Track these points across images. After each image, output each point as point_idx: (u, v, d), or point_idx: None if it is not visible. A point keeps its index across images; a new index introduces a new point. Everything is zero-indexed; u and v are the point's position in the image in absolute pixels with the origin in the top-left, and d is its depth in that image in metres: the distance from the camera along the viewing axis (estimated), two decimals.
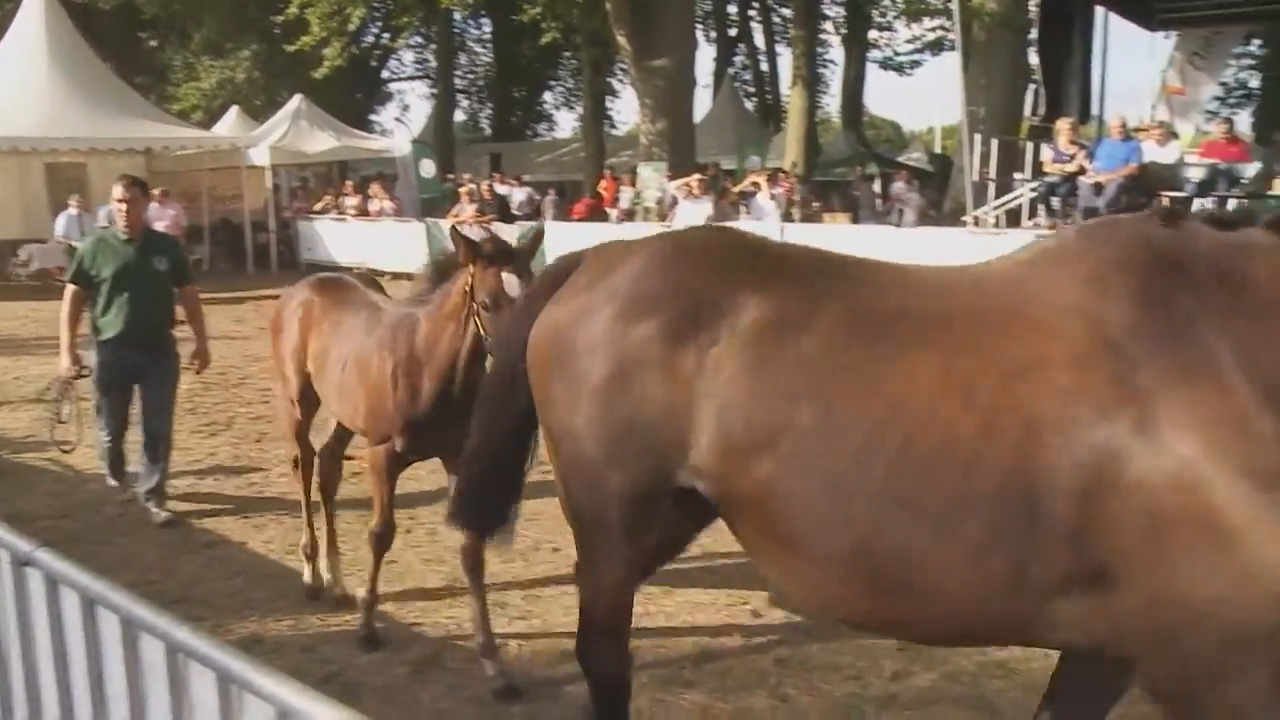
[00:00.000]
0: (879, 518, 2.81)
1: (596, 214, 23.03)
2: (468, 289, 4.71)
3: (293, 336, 5.80)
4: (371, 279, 6.30)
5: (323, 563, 5.99)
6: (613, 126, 44.40)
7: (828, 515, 2.88)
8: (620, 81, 41.08)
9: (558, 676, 4.83)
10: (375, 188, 25.74)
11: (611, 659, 3.56)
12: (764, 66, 44.01)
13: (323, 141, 26.83)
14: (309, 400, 5.93)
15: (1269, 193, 16.68)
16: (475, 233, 5.40)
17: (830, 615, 3.37)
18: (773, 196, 20.34)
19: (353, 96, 40.99)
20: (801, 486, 2.91)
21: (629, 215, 22.19)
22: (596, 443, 3.24)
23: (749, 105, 41.25)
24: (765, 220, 19.10)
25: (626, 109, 50.04)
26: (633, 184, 23.98)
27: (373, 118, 46.06)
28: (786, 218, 20.03)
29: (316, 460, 6.14)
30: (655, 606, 5.62)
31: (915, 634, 3.29)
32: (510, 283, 4.61)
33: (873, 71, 39.92)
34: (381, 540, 5.29)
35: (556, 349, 3.35)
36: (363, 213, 25.33)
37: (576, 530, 3.52)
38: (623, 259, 3.40)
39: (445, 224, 22.22)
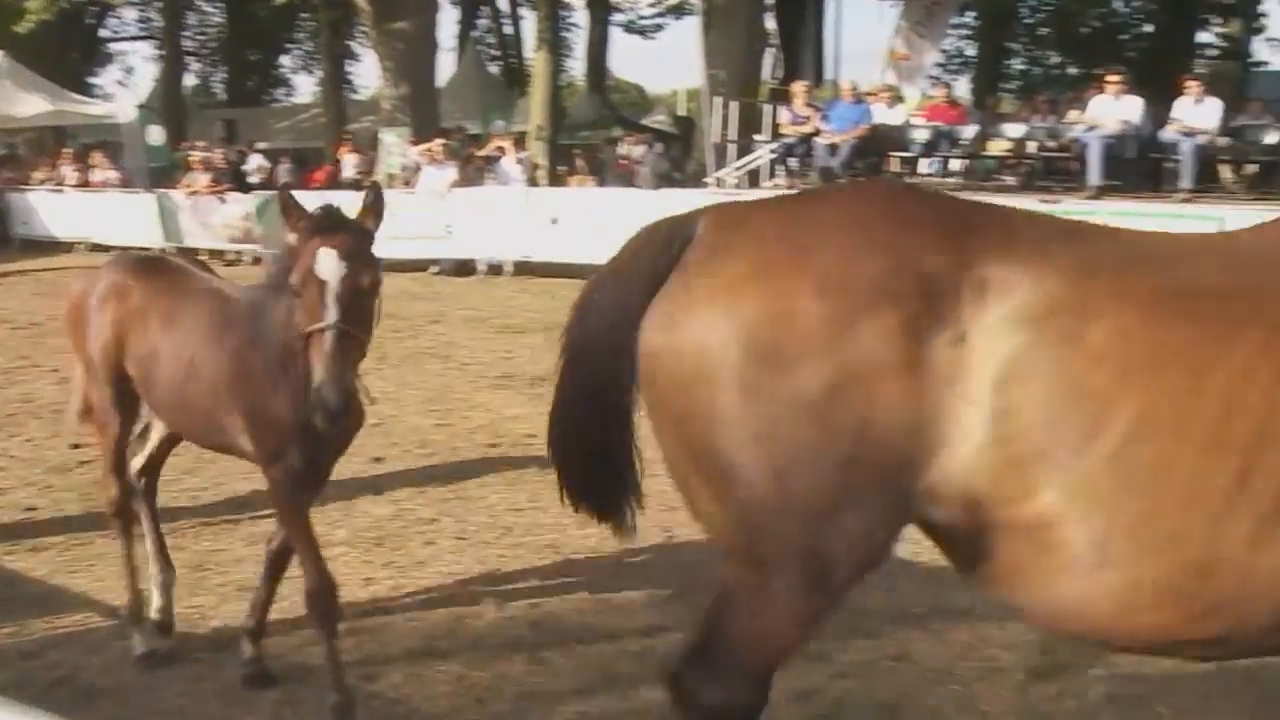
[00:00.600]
0: (1221, 531, 2.40)
1: (336, 182, 22.40)
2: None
3: (103, 332, 4.61)
4: (195, 259, 5.67)
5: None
6: (354, 91, 43.19)
7: (1148, 534, 2.44)
8: (361, 44, 39.94)
9: (310, 661, 4.69)
10: (97, 157, 24.21)
11: (743, 709, 2.85)
12: (508, 30, 43.69)
13: (33, 105, 24.96)
14: (127, 413, 4.83)
15: (984, 153, 17.81)
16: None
17: (1120, 642, 2.77)
18: (518, 161, 20.27)
19: (66, 56, 38.25)
20: (1113, 502, 2.44)
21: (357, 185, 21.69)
22: (814, 473, 2.53)
23: (493, 69, 40.87)
24: (511, 185, 19.04)
25: (368, 73, 48.74)
26: (357, 151, 23.44)
27: (92, 80, 43.21)
28: (531, 182, 20.04)
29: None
30: (407, 579, 5.56)
31: (1228, 652, 2.74)
32: (325, 261, 3.73)
33: (617, 35, 40.21)
34: (321, 599, 4.19)
35: (729, 355, 2.56)
36: (84, 184, 23.77)
37: (750, 577, 2.73)
38: (797, 231, 2.72)
39: (177, 195, 21.21)
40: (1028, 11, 35.86)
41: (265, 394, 4.09)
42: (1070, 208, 13.19)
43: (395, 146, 22.95)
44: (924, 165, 17.99)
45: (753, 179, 18.30)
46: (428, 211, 17.94)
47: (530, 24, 36.50)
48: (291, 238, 3.95)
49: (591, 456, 3.01)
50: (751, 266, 2.63)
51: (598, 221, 15.90)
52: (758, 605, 2.72)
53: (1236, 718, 4.25)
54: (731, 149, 18.65)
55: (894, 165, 17.91)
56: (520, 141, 23.00)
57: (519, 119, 29.78)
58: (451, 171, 19.06)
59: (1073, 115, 16.39)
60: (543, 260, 17.17)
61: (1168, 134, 15.17)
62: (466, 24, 41.37)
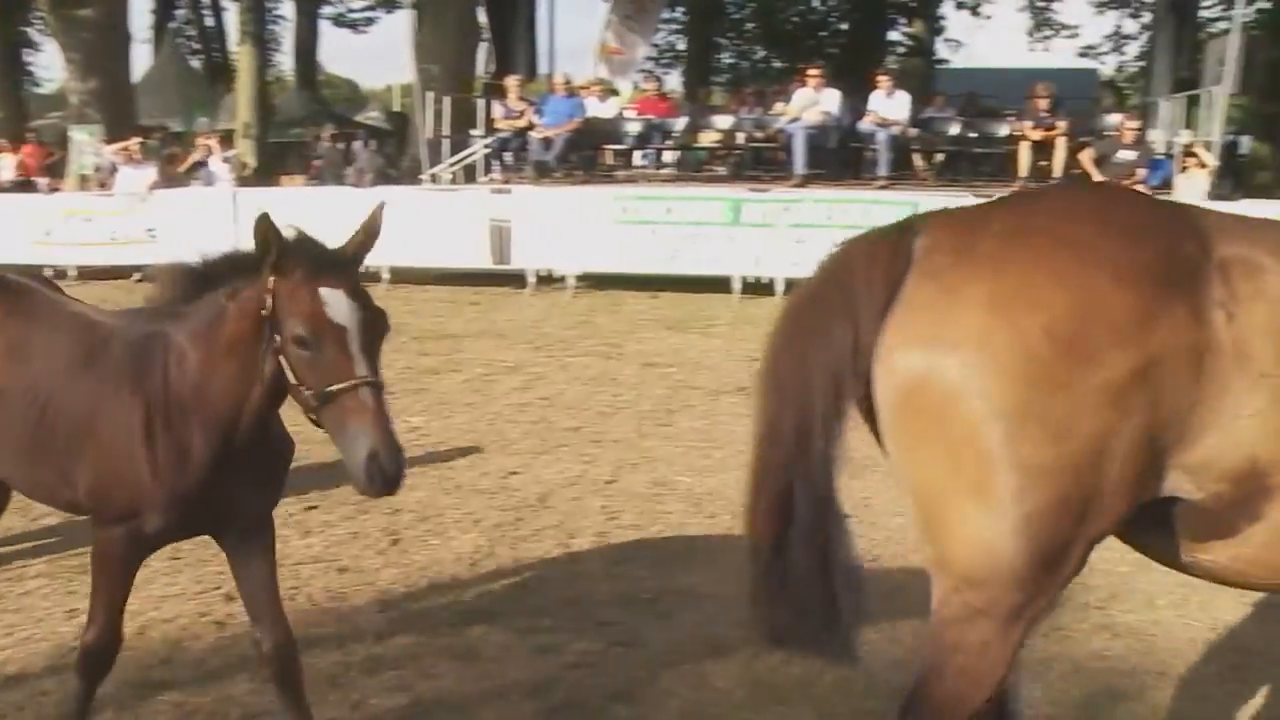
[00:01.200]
0: None
1: (22, 185, 20.71)
2: (265, 311, 3.20)
3: None
4: (46, 279, 4.50)
5: None
6: (36, 84, 40.14)
7: None
8: (41, 33, 37.17)
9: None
10: None
11: None
12: (209, 21, 41.71)
13: None
14: None
15: (696, 145, 18.36)
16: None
17: None
18: (225, 160, 19.41)
19: None
20: None
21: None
22: (1112, 465, 2.48)
23: (195, 63, 38.97)
24: (218, 185, 18.21)
25: (55, 64, 45.39)
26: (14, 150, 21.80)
27: None
28: (241, 182, 19.24)
29: None
30: None
31: None
32: (339, 306, 3.15)
33: (326, 28, 39.07)
34: (99, 658, 3.67)
35: (1029, 354, 2.46)
36: None
37: (1001, 596, 2.58)
38: (1052, 227, 2.65)
39: None
40: (734, 7, 37.18)
41: (133, 442, 3.41)
42: (778, 196, 13.79)
43: (87, 145, 21.52)
44: (637, 157, 18.37)
45: (468, 174, 18.21)
46: (127, 215, 16.92)
47: (233, 16, 34.98)
48: (269, 275, 3.21)
49: (808, 541, 2.75)
50: (1034, 265, 2.55)
51: (312, 222, 15.42)
52: (984, 635, 2.61)
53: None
54: (446, 144, 18.49)
55: (607, 158, 18.22)
56: (227, 139, 22.03)
57: (225, 116, 28.59)
58: (151, 172, 18.03)
59: (779, 107, 17.12)
60: None
61: (864, 125, 16.10)
62: (163, 15, 39.22)
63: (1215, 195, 15.16)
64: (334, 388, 3.09)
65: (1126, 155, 14.86)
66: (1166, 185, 15.39)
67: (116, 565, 3.59)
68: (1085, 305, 2.49)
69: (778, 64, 36.46)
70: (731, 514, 6.25)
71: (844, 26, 35.81)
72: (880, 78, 16.45)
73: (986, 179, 16.56)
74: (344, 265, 3.28)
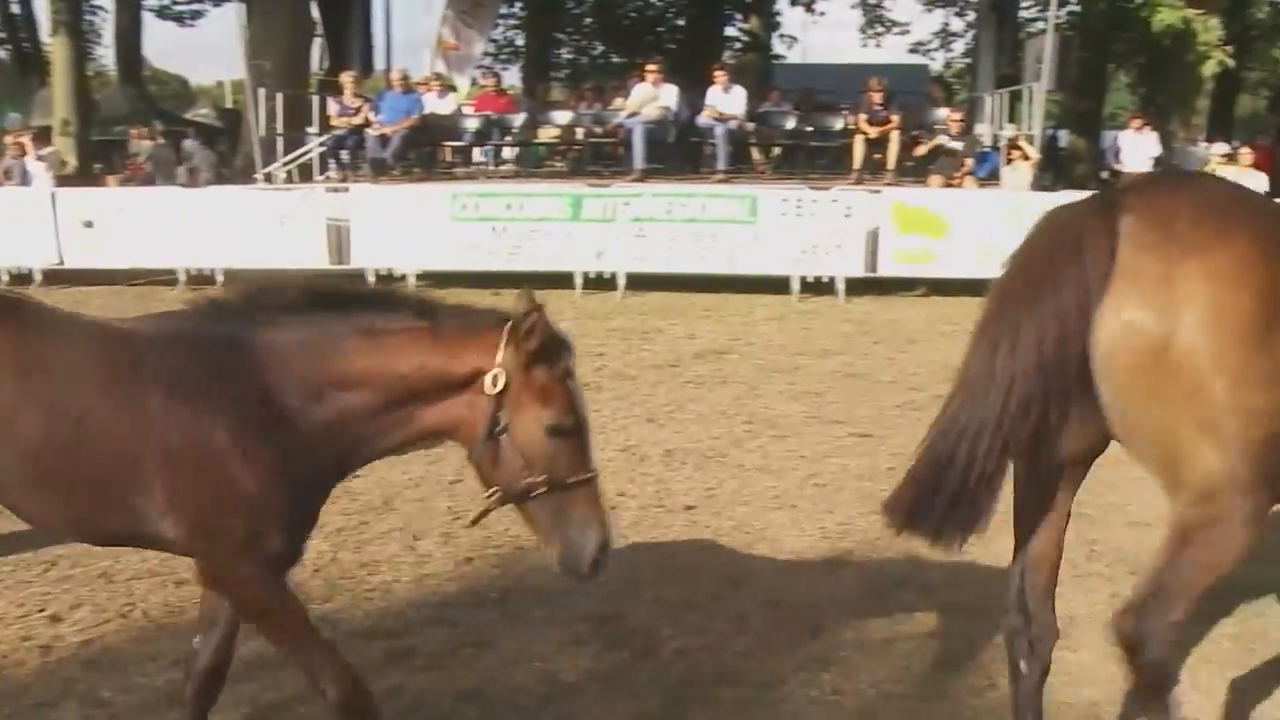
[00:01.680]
0: None
1: None
2: (494, 389, 3.14)
3: None
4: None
5: None
6: None
7: None
8: None
9: None
10: None
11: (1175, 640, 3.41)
12: (16, 9, 39.63)
13: None
14: None
15: (535, 140, 18.32)
16: None
17: None
18: (40, 158, 18.54)
19: None
20: None
21: None
22: None
23: (2, 54, 37.08)
24: (34, 185, 17.39)
25: None
26: None
27: None
28: (60, 181, 18.40)
29: None
30: None
31: None
32: (581, 400, 3.24)
33: (151, 21, 37.56)
34: (361, 712, 3.36)
35: (1253, 314, 2.95)
36: None
37: (1229, 504, 3.09)
38: (1236, 208, 3.21)
39: None
40: (573, 3, 37.16)
41: (242, 459, 3.15)
42: (618, 191, 13.86)
43: None
44: (476, 154, 18.25)
45: (304, 173, 17.81)
46: None
47: (44, 3, 33.33)
48: (514, 362, 3.15)
49: (989, 469, 3.22)
50: (1245, 243, 3.02)
51: (140, 224, 14.91)
52: (1226, 533, 3.14)
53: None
54: (280, 143, 18.03)
55: (446, 155, 18.04)
56: (43, 136, 21.05)
57: (41, 112, 27.31)
58: None
59: (618, 102, 17.20)
60: (78, 267, 15.80)
61: (703, 120, 16.31)
62: None
63: (1038, 186, 15.83)
64: (575, 479, 3.18)
65: (952, 145, 15.41)
66: (994, 176, 16.00)
67: (279, 605, 3.31)
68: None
69: (616, 59, 36.60)
70: None
71: (681, 22, 36.14)
72: (717, 73, 16.66)
73: (822, 172, 16.97)
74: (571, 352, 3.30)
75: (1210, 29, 18.44)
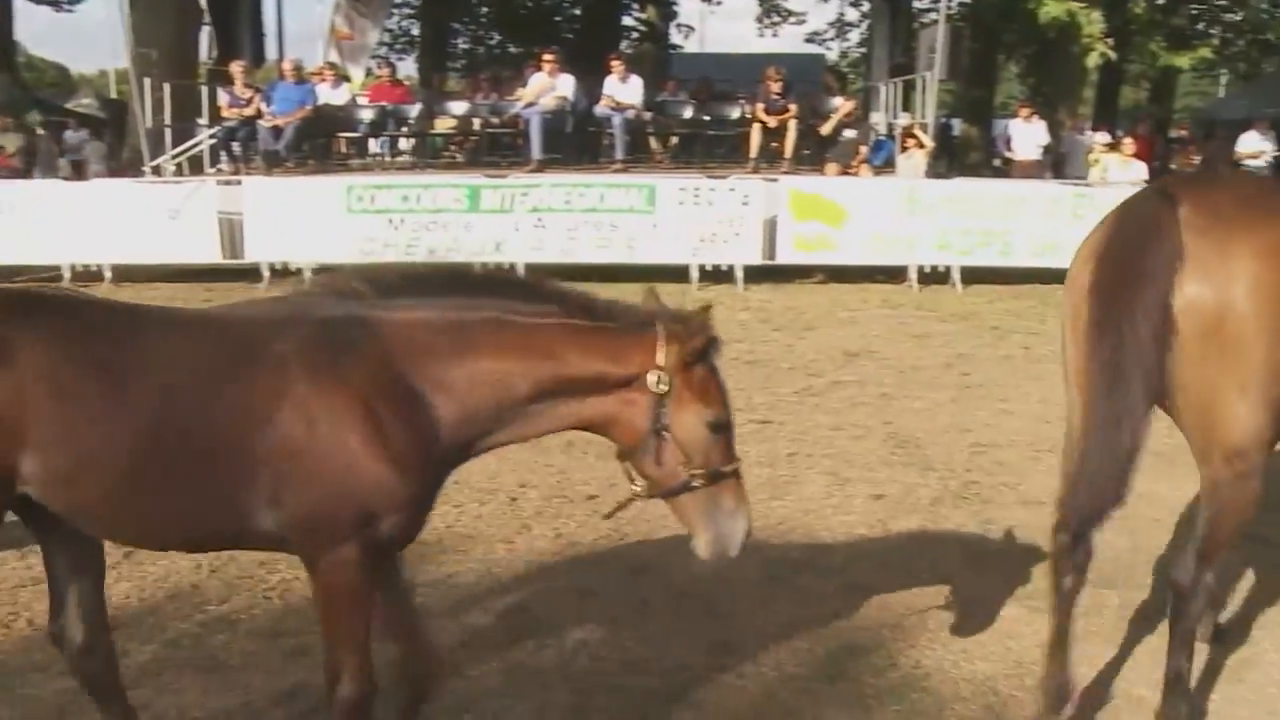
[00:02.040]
0: None
1: None
2: (659, 389, 3.22)
3: None
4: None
5: None
6: None
7: None
8: None
9: None
10: None
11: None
12: None
13: None
14: None
15: (432, 131, 18.13)
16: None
17: None
18: None
19: None
20: None
21: None
22: None
23: None
24: None
25: None
26: None
27: None
28: None
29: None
30: None
31: None
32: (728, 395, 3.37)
33: (24, 6, 36.32)
34: (362, 713, 3.31)
35: None
36: None
37: (1255, 456, 3.65)
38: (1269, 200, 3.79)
39: None
40: None
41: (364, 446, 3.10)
42: (516, 181, 13.79)
43: None
44: (372, 145, 18.01)
45: (194, 165, 17.40)
46: None
47: None
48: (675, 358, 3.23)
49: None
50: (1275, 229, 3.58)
51: (21, 218, 14.41)
52: (1251, 486, 3.69)
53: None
54: (168, 134, 17.57)
55: (341, 147, 17.76)
56: None
57: None
58: None
59: (515, 93, 17.08)
60: None
61: (600, 109, 16.27)
62: None
63: (932, 173, 16.12)
64: (727, 468, 3.31)
65: (849, 134, 15.62)
66: (889, 164, 16.26)
67: (366, 595, 3.25)
68: None
69: (513, 49, 36.40)
70: (479, 502, 6.24)
71: (578, 12, 36.03)
72: (615, 63, 16.63)
73: (720, 161, 17.07)
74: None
75: (1093, 22, 18.94)
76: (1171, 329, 3.58)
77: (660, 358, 3.23)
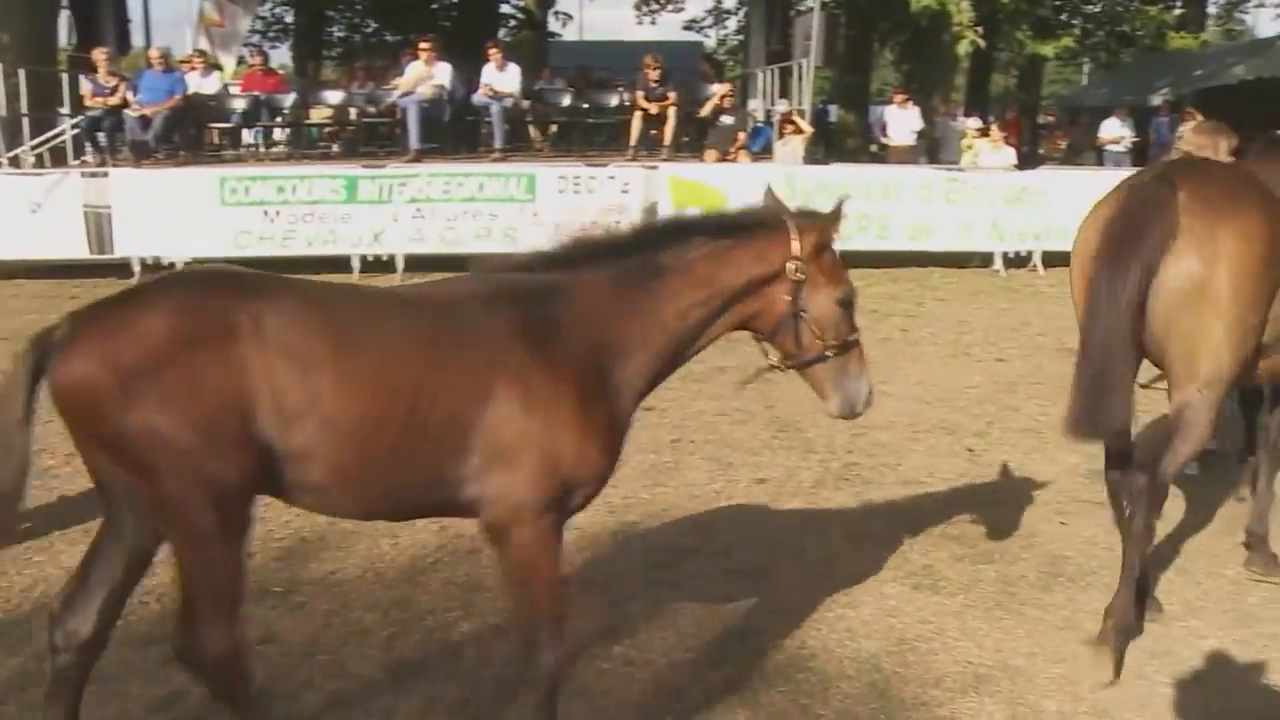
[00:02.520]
0: None
1: None
2: (797, 278, 3.61)
3: (216, 394, 2.99)
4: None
5: None
6: None
7: None
8: None
9: None
10: None
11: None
12: None
13: None
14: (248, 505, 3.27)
15: (308, 121, 17.78)
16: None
17: None
18: None
19: None
20: None
21: None
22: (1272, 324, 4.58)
23: None
24: None
25: None
26: None
27: None
28: None
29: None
30: None
31: None
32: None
33: None
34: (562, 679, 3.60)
35: (1258, 264, 4.43)
36: None
37: (1220, 388, 4.54)
38: (1245, 187, 4.67)
39: None
40: None
41: (594, 409, 3.38)
42: (394, 171, 13.60)
43: None
44: (246, 136, 17.59)
45: (57, 157, 16.76)
46: None
47: None
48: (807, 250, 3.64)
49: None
50: (1253, 216, 4.47)
51: None
52: (1211, 414, 4.57)
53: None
54: (26, 124, 16.89)
55: (213, 137, 17.31)
56: None
57: None
58: None
59: (394, 81, 16.81)
60: None
61: (478, 98, 16.15)
62: None
63: (810, 159, 16.34)
64: (852, 337, 3.77)
65: (727, 120, 15.73)
66: (768, 151, 16.43)
67: (553, 557, 3.43)
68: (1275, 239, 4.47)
69: (390, 37, 35.83)
70: None
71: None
72: (492, 51, 16.49)
73: (599, 149, 17.07)
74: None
75: (963, 11, 19.31)
76: (1157, 290, 4.44)
77: (795, 249, 3.62)
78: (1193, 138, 5.90)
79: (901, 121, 18.88)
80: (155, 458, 2.99)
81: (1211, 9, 42.11)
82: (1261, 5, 45.27)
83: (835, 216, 3.72)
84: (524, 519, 3.32)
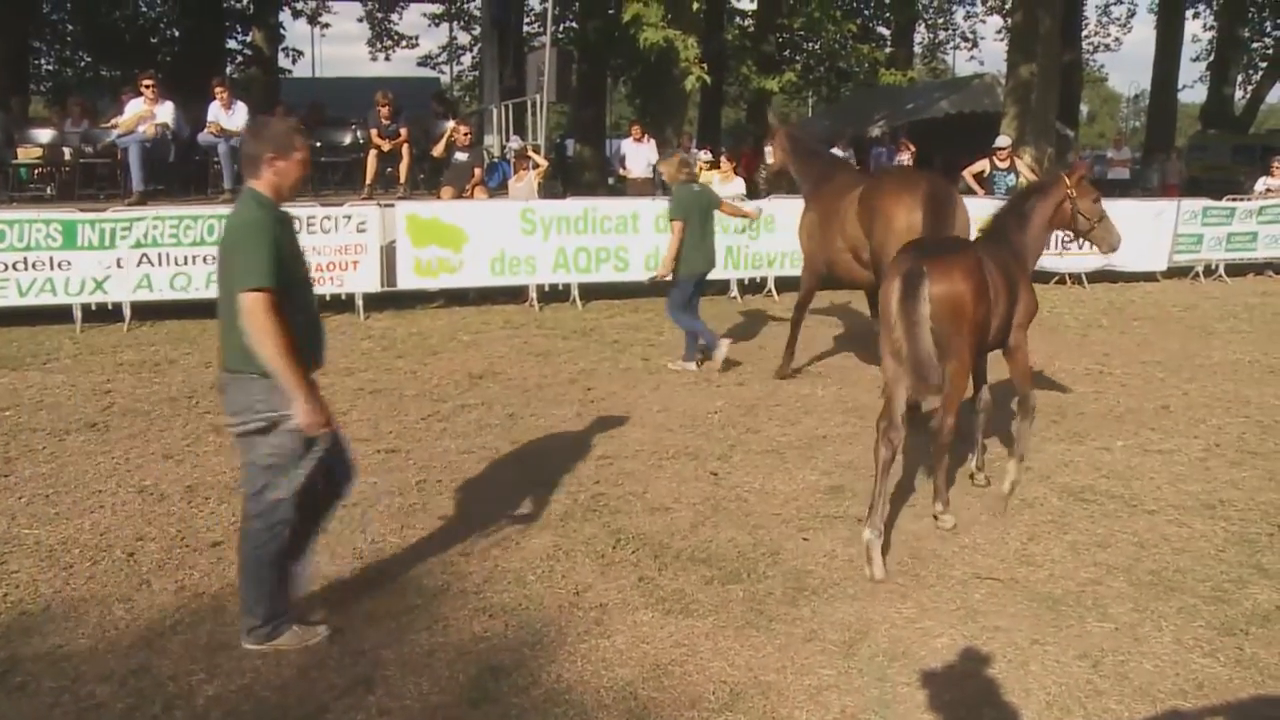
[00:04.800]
0: None
1: None
2: (1069, 195, 7.17)
3: (987, 303, 6.31)
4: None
5: None
6: None
7: None
8: None
9: None
10: None
11: None
12: None
13: None
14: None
15: (15, 161, 16.71)
16: None
17: None
18: None
19: None
20: None
21: None
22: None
23: None
24: None
25: None
26: None
27: None
28: None
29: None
30: None
31: None
32: None
33: None
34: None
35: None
36: None
37: None
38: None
39: None
40: (50, 6, 33.98)
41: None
42: (116, 215, 12.92)
43: None
44: None
45: None
46: None
47: None
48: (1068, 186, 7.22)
49: None
50: (900, 200, 8.97)
51: None
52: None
53: None
54: None
55: None
56: None
57: None
58: None
59: (113, 120, 15.98)
60: None
61: (205, 137, 15.55)
62: None
63: (548, 193, 16.51)
64: (1103, 218, 7.32)
65: (461, 156, 15.69)
66: (504, 186, 16.50)
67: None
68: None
69: (107, 72, 34.08)
70: (91, 561, 5.81)
71: (176, 33, 34.19)
72: (218, 88, 15.90)
73: (335, 188, 16.77)
74: None
75: (690, 47, 19.93)
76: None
77: (1068, 184, 7.17)
78: (663, 166, 9.12)
79: (639, 155, 19.35)
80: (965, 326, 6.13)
81: (916, 49, 45.52)
82: (957, 47, 49.58)
83: (1076, 168, 7.61)
84: (1021, 348, 6.90)
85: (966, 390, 6.49)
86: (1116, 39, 46.40)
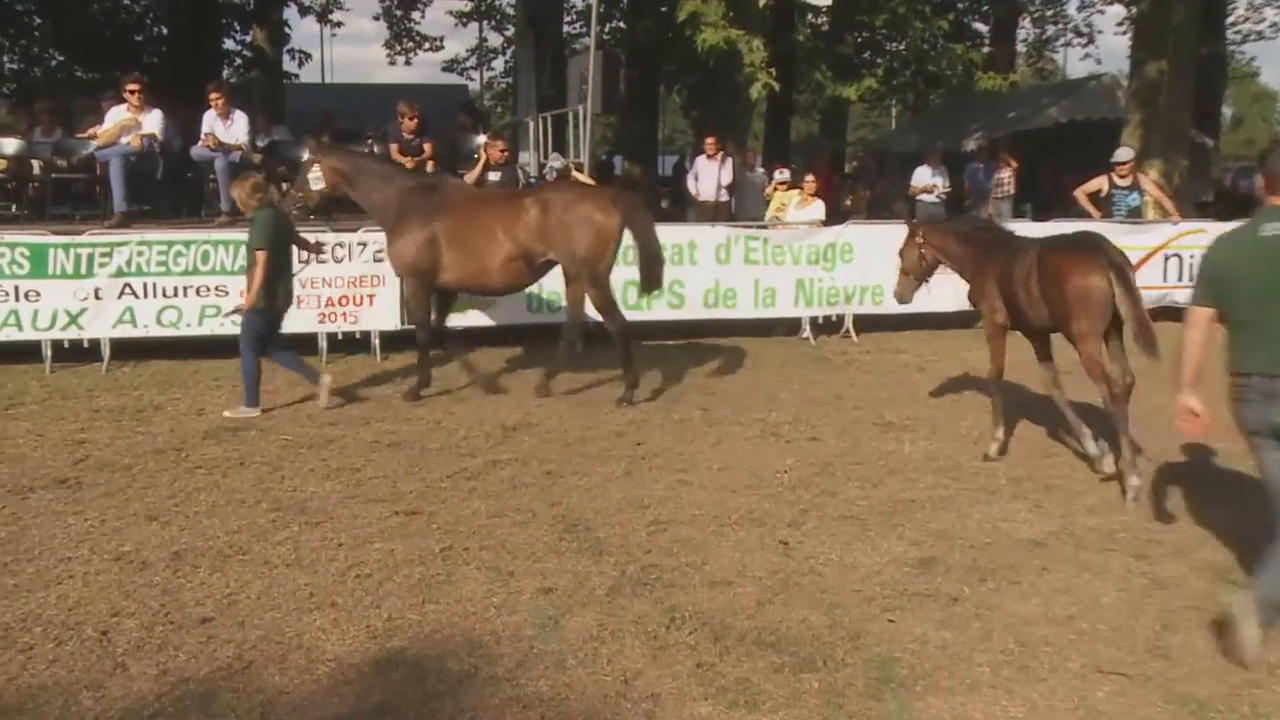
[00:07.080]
0: None
1: None
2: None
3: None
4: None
5: None
6: None
7: None
8: None
9: None
10: None
11: None
12: None
13: None
14: None
15: None
16: None
17: None
18: None
19: None
20: None
21: None
22: None
23: None
24: None
25: None
26: None
27: None
28: None
29: None
30: None
31: None
32: None
33: None
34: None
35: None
36: None
37: None
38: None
39: None
40: None
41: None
42: (94, 239, 13.10)
43: None
44: None
45: None
46: None
47: None
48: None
49: None
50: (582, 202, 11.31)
51: None
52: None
53: None
54: None
55: None
56: None
57: None
58: None
59: (91, 130, 16.09)
60: None
61: (198, 150, 15.65)
62: None
63: None
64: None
65: (493, 176, 15.74)
66: None
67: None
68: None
69: (83, 75, 34.55)
70: (56, 641, 5.83)
71: (165, 31, 34.66)
72: (214, 95, 16.06)
73: (350, 211, 16.92)
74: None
75: (755, 50, 19.91)
76: None
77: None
78: (235, 191, 11.10)
79: (711, 174, 19.12)
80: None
81: (1020, 48, 45.11)
82: (1069, 44, 48.86)
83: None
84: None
85: None
86: (1274, 25, 44.37)
